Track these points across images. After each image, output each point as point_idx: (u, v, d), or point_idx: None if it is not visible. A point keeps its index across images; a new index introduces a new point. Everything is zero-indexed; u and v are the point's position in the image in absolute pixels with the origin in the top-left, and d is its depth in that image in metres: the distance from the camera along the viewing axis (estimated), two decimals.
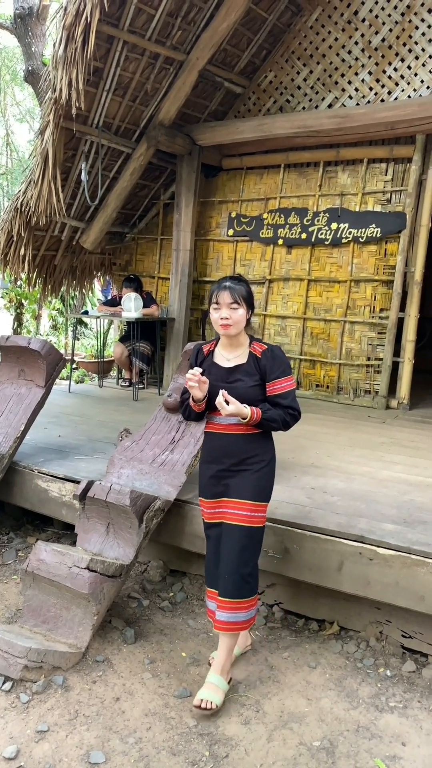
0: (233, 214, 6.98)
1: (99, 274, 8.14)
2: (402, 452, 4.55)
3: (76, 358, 8.88)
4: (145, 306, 6.67)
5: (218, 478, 2.67)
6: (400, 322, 6.12)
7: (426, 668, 2.86)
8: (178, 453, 3.49)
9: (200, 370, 2.53)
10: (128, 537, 3.18)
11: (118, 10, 5.27)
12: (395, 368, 6.20)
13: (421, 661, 2.94)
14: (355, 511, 3.29)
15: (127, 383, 6.99)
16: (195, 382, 2.51)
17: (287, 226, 6.58)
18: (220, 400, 2.44)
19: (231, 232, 7.01)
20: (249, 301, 2.57)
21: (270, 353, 2.59)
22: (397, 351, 6.17)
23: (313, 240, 6.44)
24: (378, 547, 2.90)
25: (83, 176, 6.13)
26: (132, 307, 6.36)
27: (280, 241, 6.66)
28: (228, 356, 2.64)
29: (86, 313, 7.14)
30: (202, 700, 2.49)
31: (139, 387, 6.72)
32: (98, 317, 6.95)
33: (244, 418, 2.50)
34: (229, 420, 2.57)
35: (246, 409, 2.49)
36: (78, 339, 11.00)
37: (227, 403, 2.45)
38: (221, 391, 2.45)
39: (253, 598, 2.67)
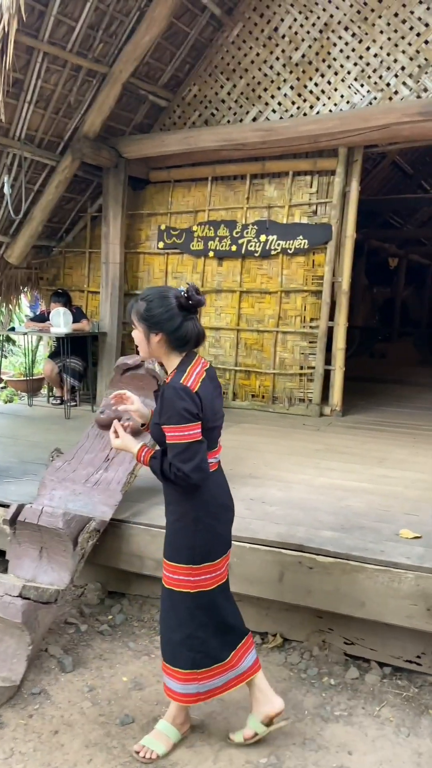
0: (163, 227, 6.95)
1: (26, 289, 7.92)
2: (337, 458, 4.61)
3: (3, 377, 8.60)
4: (74, 321, 6.52)
5: None
6: (330, 331, 6.23)
7: (369, 674, 2.87)
8: (113, 471, 3.40)
9: (122, 392, 2.38)
10: (63, 561, 3.06)
11: (37, 21, 5.17)
12: (327, 376, 6.30)
13: (364, 667, 2.95)
14: (294, 520, 3.29)
15: (59, 401, 6.81)
16: (118, 403, 2.38)
17: (217, 238, 6.61)
18: (110, 432, 2.31)
19: (161, 244, 6.98)
20: (148, 321, 2.10)
21: (162, 392, 2.15)
22: (328, 359, 6.28)
23: (243, 252, 6.48)
24: (317, 555, 2.90)
25: (6, 189, 5.96)
26: (61, 322, 6.21)
27: (211, 254, 6.67)
28: None
29: (13, 329, 6.93)
30: (142, 747, 2.33)
31: (71, 405, 6.56)
32: (25, 333, 6.75)
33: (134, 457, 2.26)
34: None
35: (134, 447, 2.23)
36: (6, 357, 10.67)
37: (116, 435, 2.28)
38: (114, 422, 2.31)
39: (185, 671, 2.26)
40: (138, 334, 2.16)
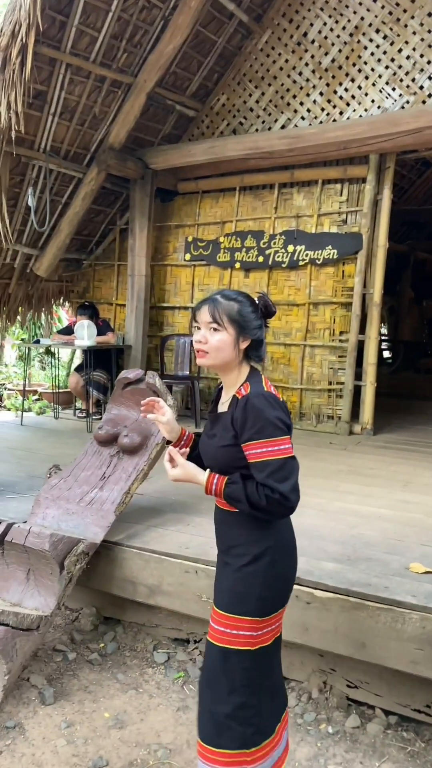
0: (190, 239, 6.83)
1: (58, 302, 7.94)
2: (358, 481, 4.33)
3: (38, 389, 8.64)
4: (100, 333, 6.46)
5: (216, 565, 2.04)
6: (361, 345, 5.95)
7: (371, 723, 2.60)
8: (108, 490, 3.24)
9: (155, 399, 2.00)
10: (49, 584, 2.91)
11: (59, 32, 5.14)
12: (358, 392, 6.01)
13: (367, 714, 2.68)
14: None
15: (84, 414, 6.74)
16: (147, 411, 2.00)
17: (244, 249, 6.44)
18: (165, 460, 1.88)
19: (188, 256, 6.86)
20: (241, 324, 1.82)
21: (245, 402, 1.78)
22: (359, 375, 5.99)
23: (270, 263, 6.29)
24: (315, 589, 2.66)
25: (30, 202, 5.95)
26: (85, 334, 6.14)
27: (237, 265, 6.50)
28: (223, 398, 1.97)
29: (38, 342, 6.91)
30: None
31: (96, 417, 6.47)
32: (49, 346, 6.72)
33: (203, 487, 1.84)
34: None
35: (201, 476, 1.83)
36: (44, 369, 10.75)
37: (174, 464, 1.86)
38: (168, 449, 1.91)
39: (232, 752, 1.86)
40: (221, 337, 1.81)
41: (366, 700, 2.71)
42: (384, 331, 13.32)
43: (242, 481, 1.78)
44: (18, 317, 7.33)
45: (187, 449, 1.91)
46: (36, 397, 8.50)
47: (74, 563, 2.93)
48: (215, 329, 1.81)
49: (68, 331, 6.89)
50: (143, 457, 3.33)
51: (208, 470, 1.84)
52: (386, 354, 13.31)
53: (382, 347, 12.76)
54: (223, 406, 1.92)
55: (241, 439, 1.79)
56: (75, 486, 3.33)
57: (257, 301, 1.89)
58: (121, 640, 3.23)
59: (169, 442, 2.07)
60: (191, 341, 6.61)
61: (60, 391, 7.92)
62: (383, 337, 13.12)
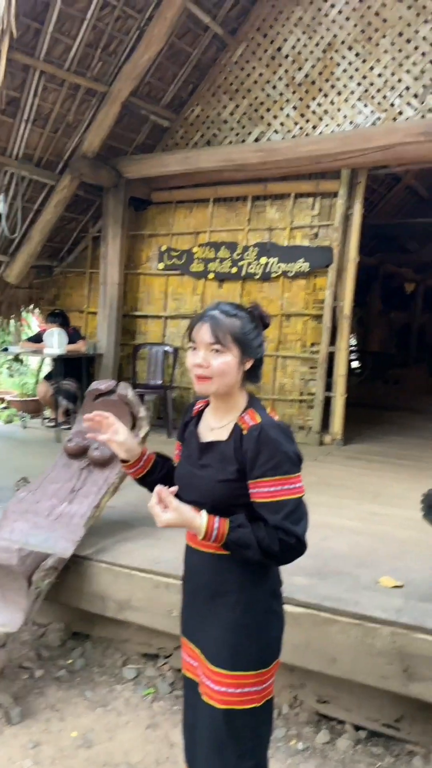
0: (163, 248, 6.82)
1: (27, 308, 7.83)
2: (328, 492, 4.35)
3: (7, 397, 8.50)
4: (71, 341, 6.39)
5: (190, 614, 1.80)
6: (332, 357, 6.01)
7: (341, 738, 2.61)
8: (78, 504, 3.20)
9: (104, 414, 1.74)
10: (16, 600, 2.86)
11: (33, 39, 5.10)
12: (329, 403, 6.06)
13: (337, 729, 2.68)
14: None
15: (53, 423, 6.65)
16: (94, 425, 1.74)
17: (217, 260, 6.45)
18: (151, 503, 1.56)
19: (161, 265, 6.84)
20: (244, 343, 1.61)
21: (258, 433, 1.58)
22: (330, 386, 6.04)
23: (243, 274, 6.32)
24: (287, 604, 2.63)
25: (1, 208, 5.88)
26: (54, 342, 6.07)
27: (211, 275, 6.51)
28: (213, 424, 1.72)
29: (6, 350, 6.81)
30: None
31: (65, 427, 6.38)
32: (18, 354, 6.63)
33: (200, 533, 1.57)
34: None
35: (199, 520, 1.56)
36: (12, 376, 10.60)
37: (164, 504, 1.55)
38: (157, 487, 1.57)
39: None
40: (225, 359, 1.60)
41: (336, 715, 2.72)
42: (353, 341, 13.49)
43: (252, 524, 1.56)
44: None
45: (176, 488, 1.60)
46: (3, 405, 8.37)
47: (43, 578, 2.88)
48: (218, 351, 1.59)
49: (38, 338, 6.80)
50: (114, 470, 3.30)
51: (203, 512, 1.58)
52: (355, 364, 13.45)
53: (351, 358, 12.88)
54: (215, 433, 1.69)
55: (250, 475, 1.58)
56: (44, 499, 3.28)
57: (257, 312, 1.70)
58: (90, 655, 3.18)
59: (124, 462, 1.79)
60: (164, 350, 6.65)
61: (28, 399, 7.81)
62: (352, 348, 13.29)
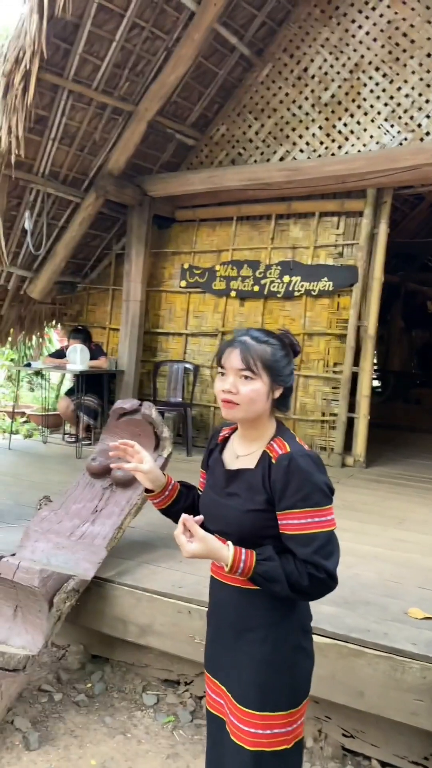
0: (186, 266, 6.83)
1: (50, 324, 7.89)
2: (352, 517, 4.27)
3: (26, 411, 8.53)
4: (93, 358, 6.41)
5: (215, 650, 1.73)
6: (355, 377, 5.94)
7: None
8: (100, 525, 3.16)
9: (131, 443, 1.69)
10: (37, 622, 2.82)
11: (63, 60, 5.17)
12: (351, 424, 5.98)
13: (363, 765, 2.60)
14: None
15: (73, 439, 6.65)
16: (120, 455, 1.70)
17: (240, 278, 6.44)
18: (177, 532, 1.50)
19: (184, 283, 6.85)
20: (275, 370, 1.58)
21: (287, 463, 1.53)
22: (353, 406, 5.97)
23: (265, 293, 6.30)
24: (313, 634, 2.58)
25: (27, 225, 5.93)
26: (77, 359, 6.09)
27: (233, 293, 6.50)
28: (239, 451, 1.68)
29: (29, 365, 6.83)
30: None
31: (86, 443, 6.38)
32: (41, 369, 6.65)
33: (226, 566, 1.51)
34: None
35: (225, 551, 1.50)
36: (33, 390, 10.65)
37: (189, 534, 1.49)
38: (183, 516, 1.50)
39: None
40: (255, 387, 1.56)
41: (362, 751, 2.63)
42: (374, 361, 13.39)
43: (280, 557, 1.51)
44: (9, 338, 7.25)
45: (201, 518, 1.55)
46: (24, 419, 8.40)
47: (64, 600, 2.84)
48: (247, 377, 1.55)
49: (60, 354, 6.83)
50: (137, 491, 3.26)
51: (229, 543, 1.52)
52: (376, 383, 13.34)
53: (373, 377, 12.78)
54: (242, 461, 1.65)
55: (279, 506, 1.52)
56: (66, 519, 3.25)
57: (287, 340, 1.66)
58: (109, 680, 3.13)
59: (148, 491, 1.75)
60: (184, 368, 6.62)
61: (49, 413, 7.83)
62: (374, 367, 13.17)
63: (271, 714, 1.58)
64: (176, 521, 1.57)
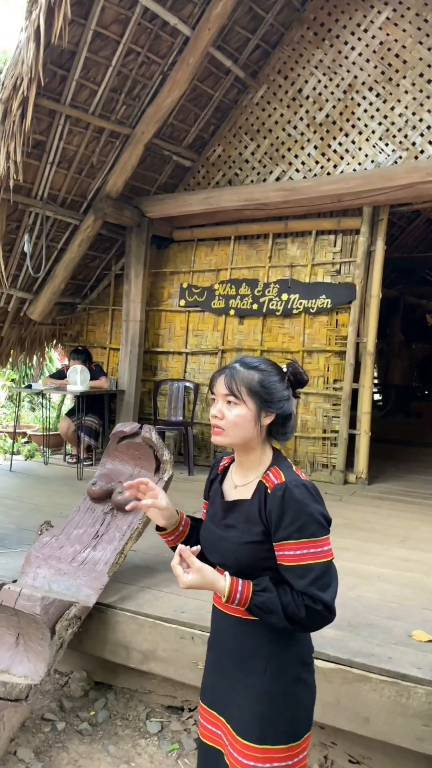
0: (185, 285, 6.87)
1: (51, 344, 7.91)
2: (355, 536, 4.25)
3: (29, 431, 8.53)
4: (93, 378, 6.42)
5: (215, 680, 1.71)
6: (355, 394, 5.95)
7: None
8: (101, 550, 3.15)
9: (146, 481, 1.68)
10: (39, 650, 2.80)
11: (59, 86, 5.23)
12: (353, 441, 5.98)
13: None
14: None
15: (74, 459, 6.64)
16: (136, 493, 1.68)
17: (238, 296, 6.47)
18: (174, 563, 1.51)
19: (183, 302, 6.88)
20: (263, 396, 1.58)
21: (282, 493, 1.52)
22: (354, 423, 5.97)
23: (264, 311, 6.32)
24: (316, 659, 2.55)
25: (26, 248, 5.97)
26: (78, 379, 6.10)
27: (232, 312, 6.53)
28: (237, 481, 1.68)
29: (30, 386, 6.84)
30: None
31: (87, 464, 6.38)
32: (41, 391, 6.66)
33: (223, 596, 1.52)
34: None
35: (222, 582, 1.50)
36: (34, 410, 10.65)
37: (186, 566, 1.50)
38: (179, 547, 1.52)
39: None
40: (239, 412, 1.57)
41: None
42: (374, 374, 13.39)
43: (277, 588, 1.50)
44: (9, 360, 7.28)
45: (198, 548, 1.54)
46: (25, 439, 8.39)
47: (66, 628, 2.83)
48: (233, 402, 1.57)
49: (60, 375, 6.85)
50: (138, 515, 3.25)
51: (226, 574, 1.53)
52: (376, 397, 13.35)
53: (373, 391, 12.79)
54: (239, 492, 1.65)
55: (275, 537, 1.51)
56: (67, 545, 3.24)
57: (286, 369, 1.66)
58: (113, 707, 3.10)
59: (160, 529, 1.74)
60: (185, 386, 6.63)
61: (50, 434, 7.83)
62: (374, 381, 13.18)
63: (271, 747, 1.56)
64: None
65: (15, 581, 3.14)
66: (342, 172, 5.85)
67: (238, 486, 1.67)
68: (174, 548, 1.72)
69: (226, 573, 1.53)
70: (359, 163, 5.79)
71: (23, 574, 3.18)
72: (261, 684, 1.58)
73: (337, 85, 5.89)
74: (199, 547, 1.55)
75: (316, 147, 6.01)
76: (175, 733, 2.92)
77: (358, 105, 5.79)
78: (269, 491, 1.55)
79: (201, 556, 1.59)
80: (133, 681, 3.14)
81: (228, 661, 1.66)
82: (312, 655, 1.71)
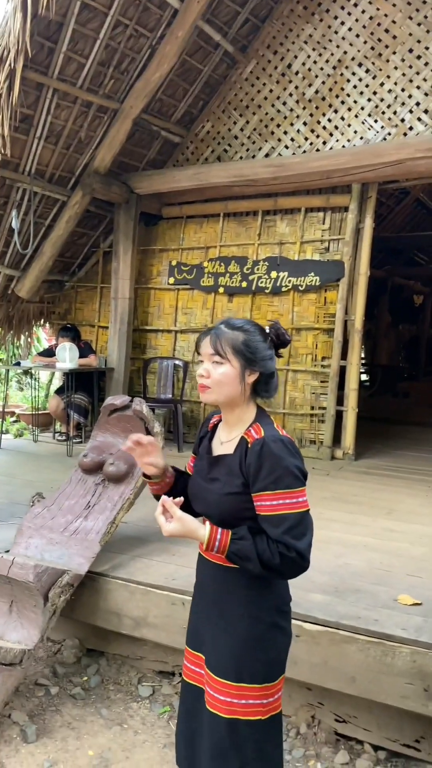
0: (174, 263, 6.86)
1: (39, 323, 7.88)
2: (342, 508, 4.33)
3: (16, 411, 8.52)
4: (82, 356, 6.42)
5: (197, 624, 1.84)
6: (343, 371, 6.00)
7: (360, 759, 2.57)
8: (93, 520, 3.19)
9: (144, 438, 1.74)
10: (32, 617, 2.84)
11: (47, 58, 5.17)
12: (340, 417, 6.04)
13: (356, 749, 2.65)
14: None
15: (64, 437, 6.66)
16: (135, 448, 1.73)
17: (227, 274, 6.48)
18: (157, 512, 1.62)
19: (172, 280, 6.88)
20: (247, 356, 1.65)
21: (260, 447, 1.60)
22: (341, 400, 6.03)
23: (253, 288, 6.34)
24: (304, 621, 2.63)
25: (14, 224, 5.93)
26: (66, 357, 6.10)
27: (221, 290, 6.54)
28: (223, 438, 1.78)
29: (18, 364, 6.83)
30: None
31: (76, 441, 6.40)
32: (30, 368, 6.65)
33: (203, 544, 1.63)
34: None
35: (202, 530, 1.60)
36: (22, 390, 10.63)
37: (168, 516, 1.61)
38: (162, 498, 1.62)
39: None
40: (224, 370, 1.64)
41: (355, 735, 2.68)
42: (362, 354, 13.48)
43: (254, 537, 1.59)
44: None
45: (181, 499, 1.64)
46: (14, 419, 8.39)
47: (58, 595, 2.87)
48: (218, 362, 1.65)
49: (49, 353, 6.83)
50: (129, 486, 3.29)
51: (207, 523, 1.62)
52: (364, 378, 13.45)
53: (361, 371, 12.90)
54: (224, 447, 1.74)
55: (253, 488, 1.61)
56: (59, 515, 3.27)
57: (268, 330, 1.74)
58: (105, 672, 3.16)
59: (146, 476, 1.82)
60: (174, 364, 6.65)
61: (39, 413, 7.83)
62: (361, 361, 13.27)
63: (247, 686, 1.68)
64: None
65: (8, 551, 3.18)
66: (331, 148, 5.84)
67: (224, 442, 1.76)
68: (157, 496, 1.81)
69: (207, 522, 1.63)
70: (348, 140, 5.79)
71: (16, 544, 3.22)
72: (239, 627, 1.70)
73: (327, 61, 5.86)
74: (182, 498, 1.64)
75: (305, 123, 6.00)
76: (167, 696, 2.99)
77: (348, 81, 5.77)
78: (249, 446, 1.64)
79: (188, 508, 1.70)
80: (125, 647, 3.20)
81: (209, 605, 1.78)
82: (290, 604, 1.81)
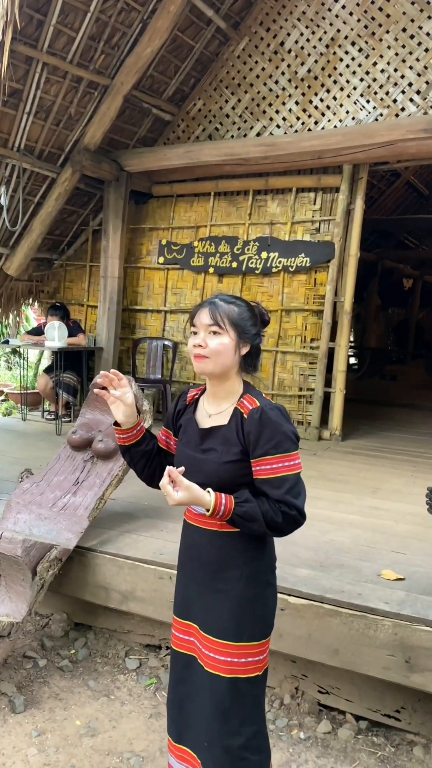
0: (164, 242, 6.82)
1: (27, 301, 7.83)
2: (329, 486, 4.38)
3: (6, 389, 8.50)
4: (71, 335, 6.40)
5: (188, 592, 1.88)
6: (332, 352, 6.03)
7: (342, 728, 2.64)
8: (81, 496, 3.21)
9: (112, 371, 1.81)
10: (21, 591, 2.87)
11: (36, 31, 5.09)
12: (328, 399, 6.08)
13: (338, 719, 2.72)
14: None
15: (53, 416, 6.66)
16: (105, 385, 1.79)
17: (218, 254, 6.46)
18: (164, 482, 1.63)
19: (162, 259, 6.85)
20: (244, 329, 1.73)
21: (259, 415, 1.68)
22: (329, 381, 6.07)
23: (243, 269, 6.33)
24: (289, 595, 2.68)
25: (2, 201, 5.87)
26: (55, 335, 6.08)
27: (211, 270, 6.52)
28: (210, 410, 1.82)
29: (7, 342, 6.80)
30: None
31: (65, 420, 6.41)
32: (19, 347, 6.63)
33: (207, 510, 1.66)
34: (198, 507, 1.74)
35: (207, 497, 1.64)
36: (10, 369, 10.58)
37: (175, 486, 1.63)
38: (168, 468, 1.64)
39: None
40: (222, 341, 1.70)
41: (337, 706, 2.75)
42: (350, 337, 13.53)
43: (257, 498, 1.67)
44: None
45: (182, 468, 1.66)
46: (2, 397, 8.37)
47: (47, 569, 2.90)
48: (216, 332, 1.70)
49: (38, 331, 6.81)
50: (118, 463, 3.31)
51: (210, 490, 1.66)
52: (352, 360, 13.51)
53: (349, 354, 12.96)
54: (213, 419, 1.79)
55: (254, 454, 1.68)
56: (48, 491, 3.29)
57: (257, 308, 1.83)
58: (93, 646, 3.21)
59: (116, 425, 1.87)
60: (163, 345, 6.65)
61: (28, 392, 7.81)
62: (350, 344, 13.32)
63: (247, 644, 1.78)
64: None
65: None
66: (323, 128, 5.81)
67: (213, 414, 1.81)
68: (123, 446, 1.91)
69: (210, 489, 1.67)
70: (340, 120, 5.76)
71: (4, 519, 3.23)
72: (237, 589, 1.77)
73: (320, 39, 5.81)
74: (183, 468, 1.67)
75: (297, 102, 5.96)
76: (153, 669, 3.04)
77: (341, 60, 5.73)
78: (245, 416, 1.72)
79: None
80: (113, 621, 3.25)
81: (203, 571, 1.82)
82: (275, 563, 1.91)
